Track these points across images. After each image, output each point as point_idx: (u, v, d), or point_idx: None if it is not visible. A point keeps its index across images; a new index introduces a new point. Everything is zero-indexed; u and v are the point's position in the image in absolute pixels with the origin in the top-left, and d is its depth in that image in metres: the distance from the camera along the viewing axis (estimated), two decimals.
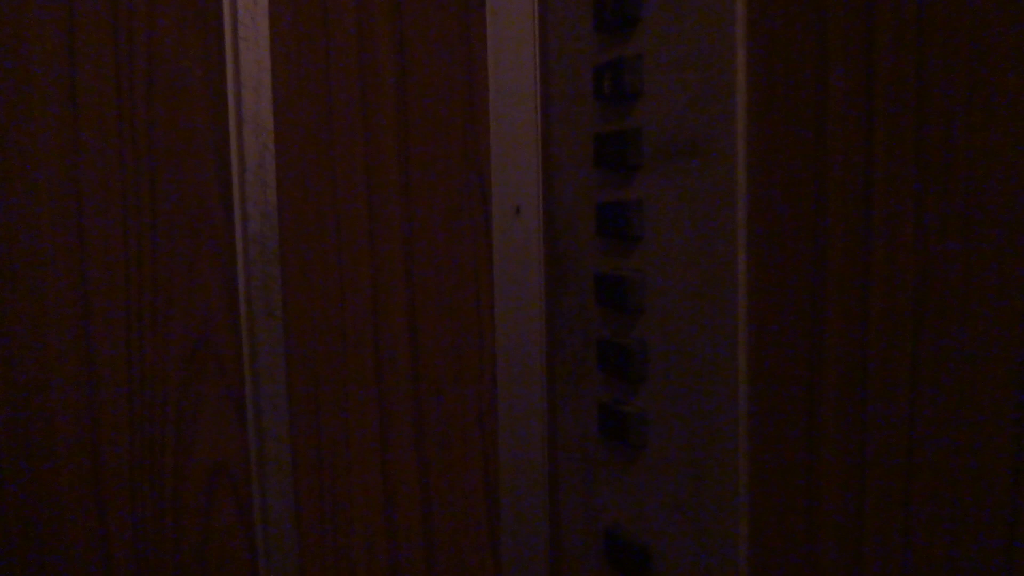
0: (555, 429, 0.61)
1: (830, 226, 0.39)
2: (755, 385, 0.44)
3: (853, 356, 0.39)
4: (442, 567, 0.66)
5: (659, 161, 0.48)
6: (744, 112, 0.42)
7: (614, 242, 0.53)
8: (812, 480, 0.41)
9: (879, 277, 0.38)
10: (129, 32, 0.66)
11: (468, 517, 0.65)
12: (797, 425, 0.42)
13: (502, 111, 0.61)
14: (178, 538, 0.70)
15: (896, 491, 0.38)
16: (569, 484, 0.60)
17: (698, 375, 0.47)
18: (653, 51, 0.48)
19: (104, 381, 0.69)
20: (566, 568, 0.61)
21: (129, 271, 0.68)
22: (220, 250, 0.66)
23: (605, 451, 0.55)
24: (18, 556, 0.72)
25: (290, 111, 0.65)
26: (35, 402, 0.70)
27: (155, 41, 0.66)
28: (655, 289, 0.49)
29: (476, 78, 0.62)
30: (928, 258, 0.35)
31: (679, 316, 0.48)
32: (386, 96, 0.64)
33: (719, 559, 0.46)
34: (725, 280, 0.44)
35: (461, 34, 0.62)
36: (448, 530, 0.66)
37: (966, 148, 0.34)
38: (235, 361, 0.67)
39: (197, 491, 0.70)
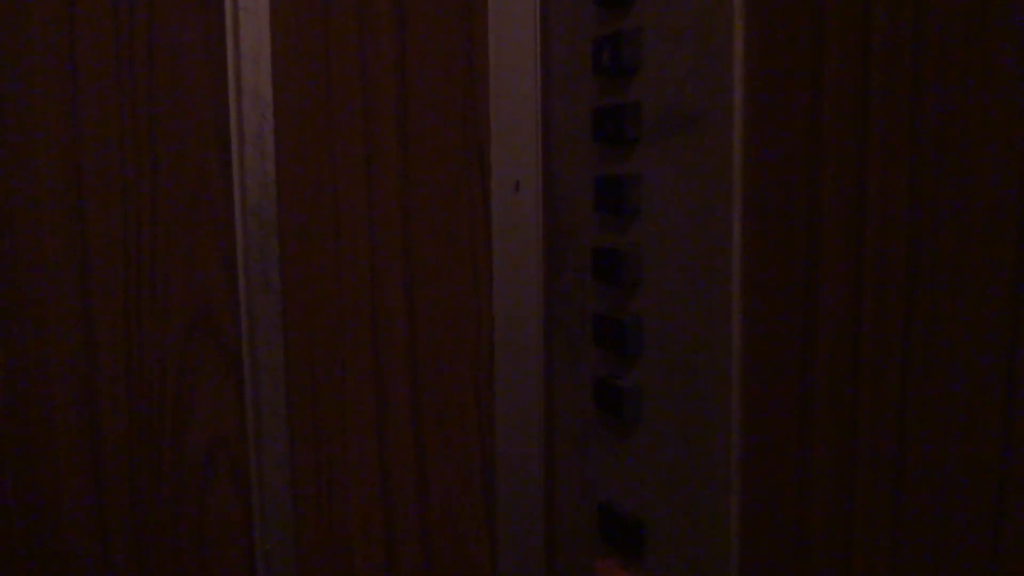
0: (551, 404, 0.61)
1: (825, 199, 0.39)
2: (748, 358, 0.44)
3: (846, 330, 0.39)
4: (437, 542, 0.67)
5: (657, 135, 0.48)
6: (741, 84, 0.42)
7: (611, 217, 0.53)
8: (804, 453, 0.42)
9: (872, 251, 0.37)
10: (130, 2, 0.66)
11: (464, 492, 0.66)
12: (790, 398, 0.42)
13: (502, 87, 0.61)
14: (176, 511, 0.71)
15: (887, 464, 0.38)
16: (565, 459, 0.60)
17: (692, 349, 0.47)
18: (652, 24, 0.48)
19: (102, 354, 0.70)
20: (561, 543, 0.61)
21: (128, 243, 0.68)
22: (219, 222, 0.67)
23: (600, 426, 0.55)
24: (15, 528, 0.73)
25: (289, 83, 0.65)
26: (34, 375, 0.71)
27: (155, 11, 0.66)
28: (651, 263, 0.49)
29: (476, 53, 0.62)
30: (921, 230, 0.35)
31: (674, 290, 0.48)
32: (386, 69, 0.63)
33: (711, 532, 0.46)
34: (720, 253, 0.44)
35: (462, 8, 0.62)
36: (444, 505, 0.66)
37: (961, 120, 0.34)
38: (233, 334, 0.67)
39: (195, 465, 0.70)
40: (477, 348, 0.64)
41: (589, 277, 0.55)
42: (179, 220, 0.67)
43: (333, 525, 0.69)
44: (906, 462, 0.37)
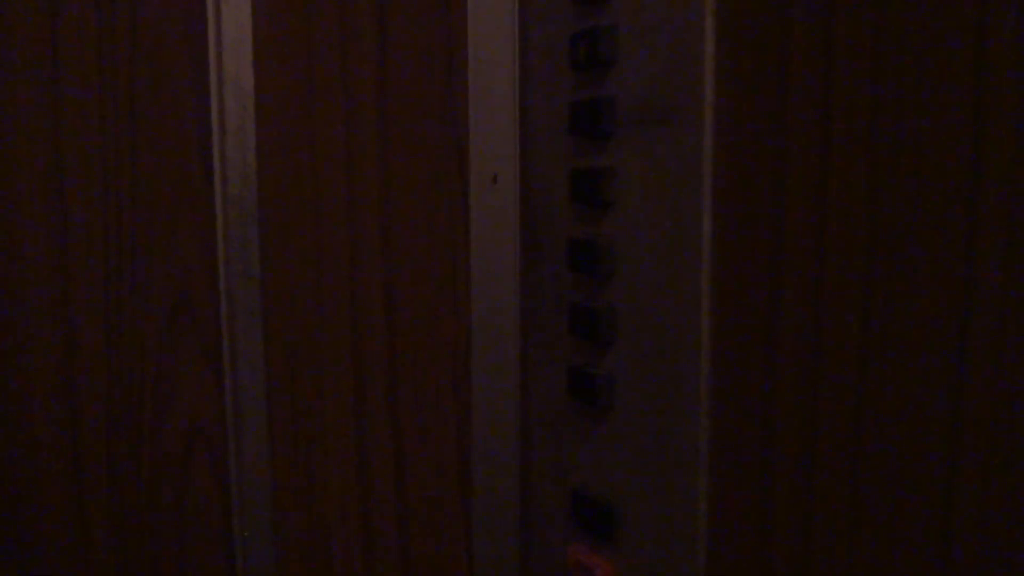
0: (527, 393, 0.62)
1: (790, 193, 0.41)
2: (717, 347, 0.45)
3: (808, 324, 0.40)
4: (414, 528, 0.68)
5: (631, 128, 0.49)
6: (712, 79, 0.44)
7: (587, 209, 0.54)
8: (769, 439, 0.43)
9: (834, 242, 0.39)
10: None
11: (440, 479, 0.67)
12: (756, 385, 0.43)
13: (481, 81, 0.62)
14: (155, 498, 0.71)
15: (847, 441, 0.39)
16: (540, 448, 0.61)
17: (663, 337, 0.48)
18: (627, 20, 0.49)
19: (82, 342, 0.70)
20: (535, 528, 0.62)
21: (108, 232, 0.68)
22: (199, 212, 0.67)
23: (574, 414, 0.56)
24: None
25: (271, 74, 0.65)
26: (15, 362, 0.71)
27: (137, 1, 0.66)
28: (625, 254, 0.50)
29: (455, 47, 0.63)
30: (879, 225, 0.37)
31: (646, 280, 0.49)
32: (367, 63, 0.64)
33: (680, 515, 0.48)
34: (690, 244, 0.45)
35: (441, 4, 0.63)
36: (420, 492, 0.67)
37: (917, 121, 0.35)
38: (213, 323, 0.68)
39: (174, 451, 0.71)
40: (455, 338, 0.65)
41: (565, 268, 0.57)
42: (160, 209, 0.67)
43: (311, 512, 0.69)
44: (865, 441, 0.39)
